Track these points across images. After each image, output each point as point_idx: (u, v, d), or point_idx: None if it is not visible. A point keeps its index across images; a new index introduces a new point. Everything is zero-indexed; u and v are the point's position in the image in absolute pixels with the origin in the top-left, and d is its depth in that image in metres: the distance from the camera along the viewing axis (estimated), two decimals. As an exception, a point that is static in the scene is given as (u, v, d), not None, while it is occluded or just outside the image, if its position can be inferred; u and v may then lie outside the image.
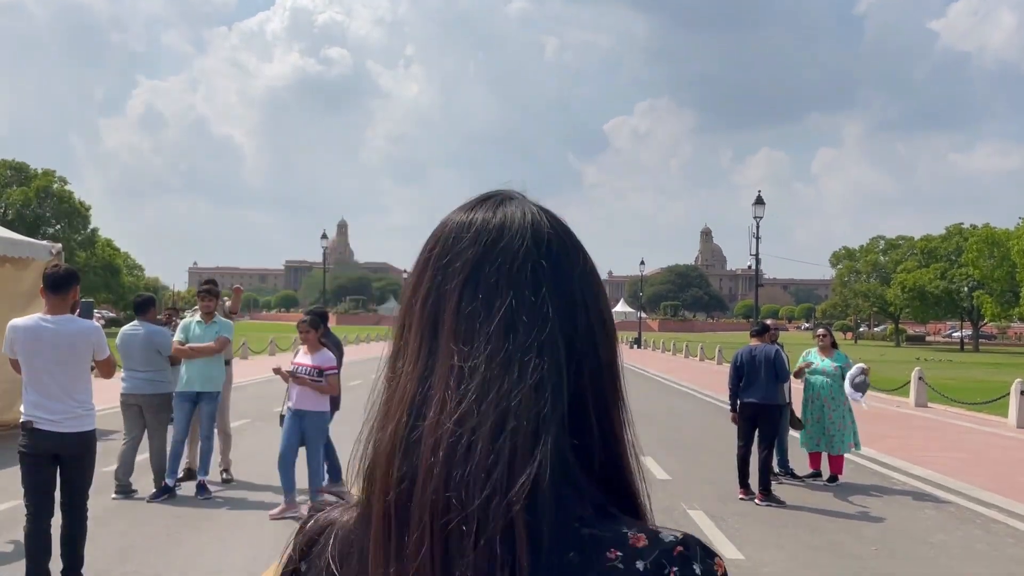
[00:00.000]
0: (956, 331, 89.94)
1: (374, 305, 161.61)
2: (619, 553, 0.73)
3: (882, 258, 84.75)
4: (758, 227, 33.16)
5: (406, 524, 0.74)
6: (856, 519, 8.21)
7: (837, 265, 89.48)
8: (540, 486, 0.72)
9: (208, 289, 8.85)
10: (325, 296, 58.68)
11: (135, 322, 8.57)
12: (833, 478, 9.93)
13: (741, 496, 8.97)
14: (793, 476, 10.12)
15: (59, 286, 5.29)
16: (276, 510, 7.58)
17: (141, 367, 8.15)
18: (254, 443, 10.94)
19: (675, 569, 0.73)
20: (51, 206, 63.57)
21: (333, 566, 0.80)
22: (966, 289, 68.99)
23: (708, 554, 0.75)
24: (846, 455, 10.10)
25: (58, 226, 62.22)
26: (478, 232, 0.81)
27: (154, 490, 8.25)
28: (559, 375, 0.76)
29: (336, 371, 7.83)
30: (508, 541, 0.71)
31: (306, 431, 7.71)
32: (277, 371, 7.96)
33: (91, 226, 66.12)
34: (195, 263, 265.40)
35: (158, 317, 9.97)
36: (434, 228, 0.86)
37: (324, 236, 55.15)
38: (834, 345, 10.37)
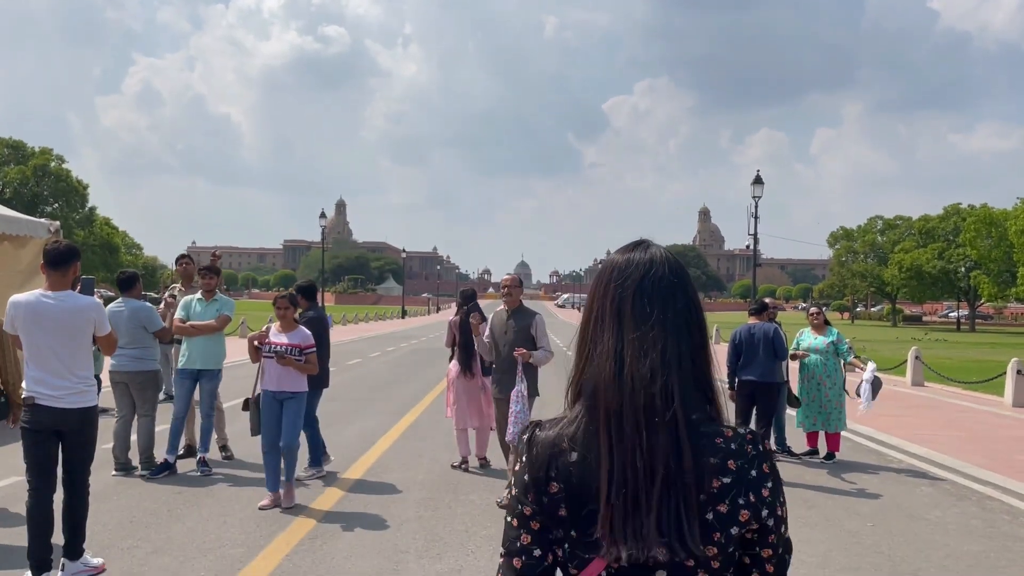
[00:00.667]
0: (952, 311, 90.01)
1: (373, 284, 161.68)
2: (721, 440, 1.44)
3: (880, 238, 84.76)
4: (756, 207, 33.10)
5: (620, 420, 1.43)
6: (852, 496, 8.27)
7: (835, 245, 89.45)
8: (689, 399, 1.44)
9: (209, 266, 8.85)
10: (324, 275, 58.61)
11: (120, 299, 8.50)
12: (830, 455, 9.98)
13: (738, 473, 9.00)
14: (790, 454, 10.18)
15: (59, 262, 5.29)
16: (266, 501, 7.23)
17: (127, 344, 8.06)
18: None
19: (749, 447, 1.44)
20: (48, 184, 63.40)
21: (573, 454, 1.46)
22: (963, 269, 69.03)
23: (764, 437, 1.54)
24: (842, 433, 10.17)
25: (56, 204, 62.09)
26: (638, 265, 1.53)
27: (143, 469, 8.32)
28: (689, 341, 1.49)
29: (315, 349, 7.43)
30: (675, 428, 1.41)
31: (287, 413, 7.31)
32: (257, 342, 7.36)
33: (89, 204, 65.98)
34: (194, 242, 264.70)
35: (153, 295, 10.04)
36: (605, 263, 1.58)
37: (323, 215, 55.06)
38: (826, 322, 10.40)
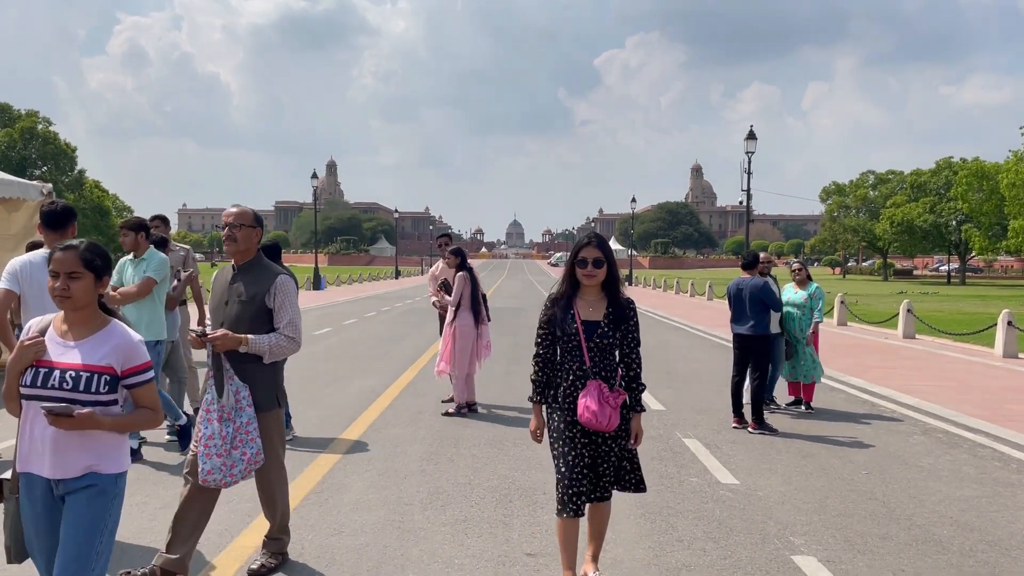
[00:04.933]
0: (943, 265, 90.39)
1: (365, 245, 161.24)
2: (623, 298, 4.46)
3: (872, 193, 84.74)
4: (750, 162, 33.06)
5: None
6: (847, 445, 8.41)
7: (827, 200, 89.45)
8: (618, 287, 4.48)
9: (136, 222, 7.71)
10: (316, 237, 58.40)
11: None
12: (807, 406, 10.14)
13: (735, 425, 9.15)
14: (775, 405, 10.29)
15: (57, 223, 5.36)
16: None
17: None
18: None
19: (632, 304, 4.50)
20: (36, 148, 62.85)
21: (556, 303, 4.49)
22: (954, 223, 69.19)
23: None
24: (836, 385, 10.27)
25: (44, 168, 61.59)
26: (585, 238, 4.50)
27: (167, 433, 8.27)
28: (612, 266, 4.44)
29: (149, 373, 3.30)
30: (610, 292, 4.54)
31: (71, 523, 3.22)
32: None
33: (78, 167, 65.49)
34: (184, 205, 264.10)
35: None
36: (576, 240, 4.61)
37: (314, 176, 54.74)
38: (809, 277, 10.45)
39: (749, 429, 8.97)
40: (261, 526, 5.65)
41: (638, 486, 4.56)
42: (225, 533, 5.53)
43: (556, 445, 4.43)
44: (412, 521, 5.83)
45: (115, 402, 3.26)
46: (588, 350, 4.31)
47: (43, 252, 5.36)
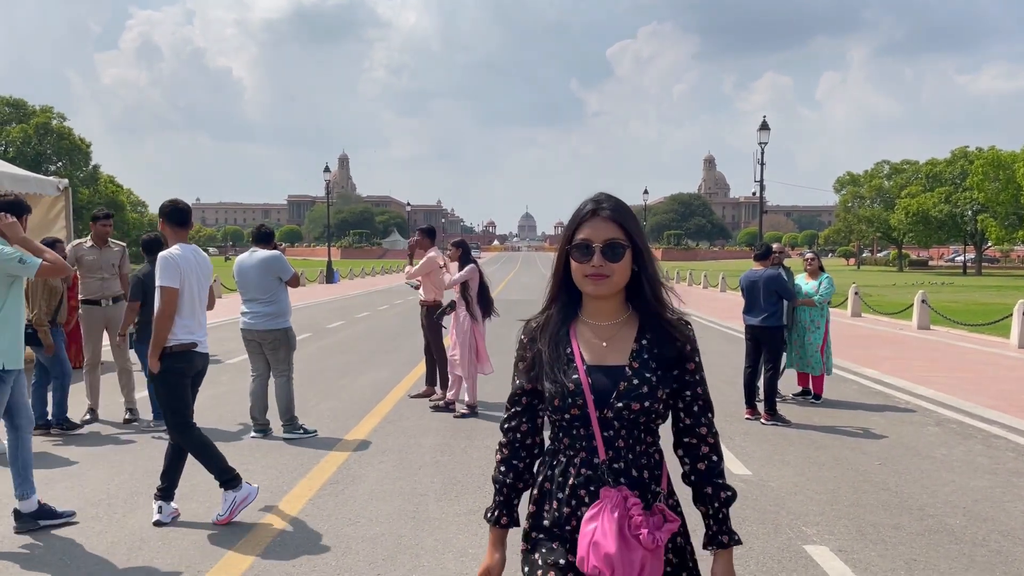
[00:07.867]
0: (959, 255, 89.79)
1: (378, 238, 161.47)
2: (671, 317, 2.21)
3: (886, 183, 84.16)
4: (763, 153, 32.94)
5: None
6: (860, 436, 8.41)
7: (841, 191, 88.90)
8: (653, 293, 2.22)
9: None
10: (329, 230, 58.53)
11: (252, 248, 8.32)
12: (817, 397, 10.14)
13: (747, 416, 9.16)
14: (781, 398, 10.26)
15: (185, 220, 5.84)
16: None
17: (260, 296, 8.03)
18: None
19: (688, 322, 2.25)
20: (51, 143, 63.13)
21: (542, 334, 2.25)
22: (970, 213, 68.67)
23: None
24: (850, 376, 10.25)
25: (59, 163, 61.88)
26: (589, 202, 2.21)
27: (285, 432, 8.18)
28: (642, 252, 2.20)
29: None
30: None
31: None
32: None
33: (92, 163, 65.78)
34: (198, 199, 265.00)
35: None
36: (576, 209, 2.23)
37: (327, 169, 54.78)
38: (821, 268, 10.41)
39: (762, 420, 8.98)
40: (278, 516, 5.72)
41: None
42: (242, 521, 5.59)
43: None
44: (426, 511, 5.88)
45: None
46: (602, 427, 2.13)
47: (179, 247, 5.68)
